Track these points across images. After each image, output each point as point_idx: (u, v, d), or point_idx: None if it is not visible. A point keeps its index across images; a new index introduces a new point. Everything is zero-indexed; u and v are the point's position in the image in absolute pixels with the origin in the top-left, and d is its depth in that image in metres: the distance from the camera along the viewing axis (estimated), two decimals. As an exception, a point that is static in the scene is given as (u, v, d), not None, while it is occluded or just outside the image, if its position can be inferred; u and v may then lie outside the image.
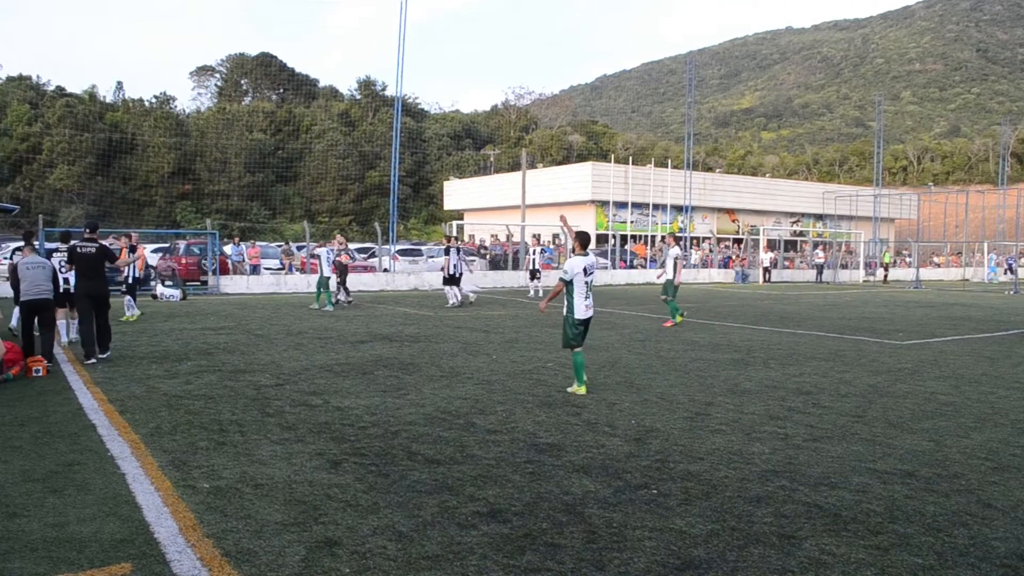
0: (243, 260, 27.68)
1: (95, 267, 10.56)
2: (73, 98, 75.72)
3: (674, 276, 15.51)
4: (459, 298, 19.70)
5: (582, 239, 8.46)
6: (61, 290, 11.61)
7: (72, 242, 11.08)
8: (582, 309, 8.16)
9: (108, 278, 11.09)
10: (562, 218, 10.71)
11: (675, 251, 16.01)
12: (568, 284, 8.16)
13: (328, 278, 19.18)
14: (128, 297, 15.57)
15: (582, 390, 8.17)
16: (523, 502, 4.64)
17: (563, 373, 9.33)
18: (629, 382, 8.80)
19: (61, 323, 12.54)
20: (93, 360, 10.01)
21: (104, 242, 12.95)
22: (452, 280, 19.71)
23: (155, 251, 28.72)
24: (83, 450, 5.73)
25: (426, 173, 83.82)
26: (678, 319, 15.37)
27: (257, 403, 7.46)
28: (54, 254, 12.46)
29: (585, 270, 8.18)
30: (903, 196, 60.22)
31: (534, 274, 24.94)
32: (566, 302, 8.21)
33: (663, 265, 18.11)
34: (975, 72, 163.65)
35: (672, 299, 15.46)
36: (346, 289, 20.16)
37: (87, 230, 10.96)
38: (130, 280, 15.55)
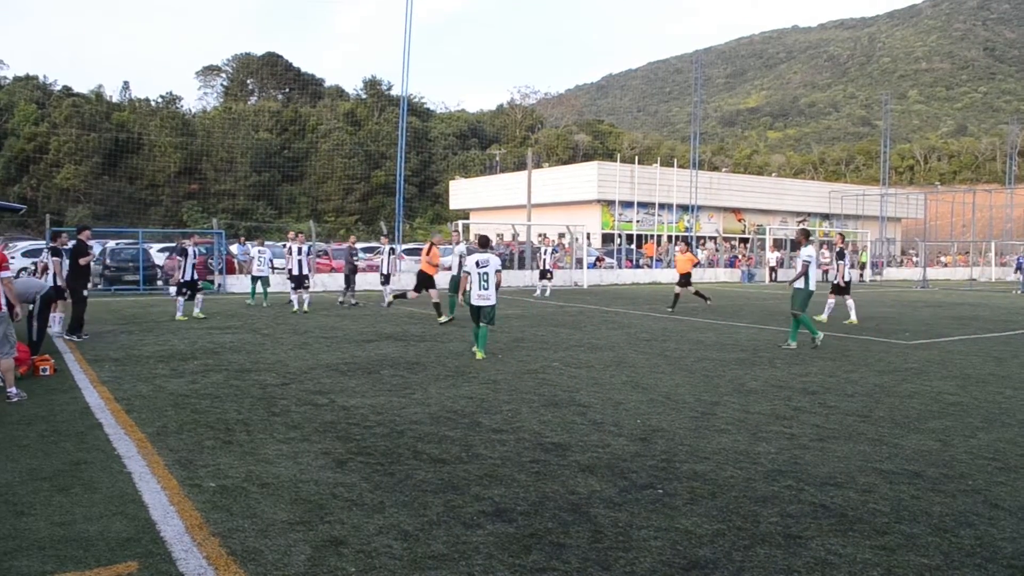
0: (249, 259, 27.73)
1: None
2: (80, 98, 76.00)
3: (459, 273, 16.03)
4: (388, 299, 19.90)
5: (480, 240, 10.97)
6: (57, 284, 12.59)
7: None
8: (475, 296, 10.30)
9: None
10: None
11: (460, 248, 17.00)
12: (468, 275, 10.33)
13: (258, 277, 20.10)
14: (180, 297, 15.34)
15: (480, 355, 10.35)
16: (529, 501, 4.64)
17: (569, 372, 9.33)
18: (635, 381, 8.79)
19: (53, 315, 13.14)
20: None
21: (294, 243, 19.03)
22: (387, 280, 20.24)
23: (161, 251, 28.84)
24: (90, 449, 5.75)
25: (432, 172, 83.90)
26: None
27: (263, 402, 7.48)
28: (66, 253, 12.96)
29: (477, 263, 10.26)
30: (910, 195, 60.07)
31: (544, 274, 24.70)
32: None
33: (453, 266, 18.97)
34: (982, 71, 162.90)
35: (455, 295, 15.83)
36: (352, 289, 20.35)
37: (77, 231, 12.96)
38: (187, 278, 15.19)
